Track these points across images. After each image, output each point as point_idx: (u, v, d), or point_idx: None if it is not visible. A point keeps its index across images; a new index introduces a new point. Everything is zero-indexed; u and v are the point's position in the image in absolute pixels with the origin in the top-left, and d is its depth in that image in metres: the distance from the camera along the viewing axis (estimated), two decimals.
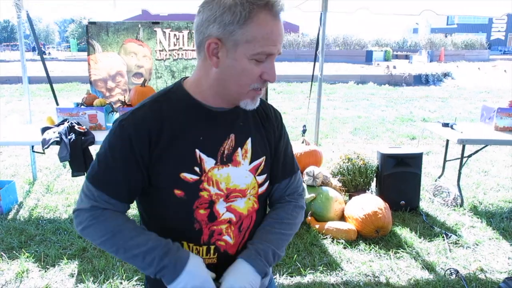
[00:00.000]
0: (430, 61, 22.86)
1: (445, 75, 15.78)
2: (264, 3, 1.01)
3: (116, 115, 4.31)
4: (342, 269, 3.11)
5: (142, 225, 1.22)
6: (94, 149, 3.79)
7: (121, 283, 2.90)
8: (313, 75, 4.99)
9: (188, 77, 1.21)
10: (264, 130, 1.24)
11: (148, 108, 1.12)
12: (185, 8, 4.91)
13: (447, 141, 4.60)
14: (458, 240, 3.55)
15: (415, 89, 13.46)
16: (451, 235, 3.62)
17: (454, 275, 3.06)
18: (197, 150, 1.11)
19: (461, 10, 5.09)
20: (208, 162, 1.12)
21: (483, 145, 4.42)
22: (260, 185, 1.21)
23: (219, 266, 1.16)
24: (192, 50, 4.51)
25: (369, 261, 3.22)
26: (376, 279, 3.00)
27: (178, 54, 4.50)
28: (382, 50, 24.63)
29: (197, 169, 1.11)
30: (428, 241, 3.54)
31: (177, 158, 1.10)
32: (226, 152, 1.15)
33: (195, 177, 1.11)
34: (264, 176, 1.22)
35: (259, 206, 1.22)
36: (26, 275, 3.00)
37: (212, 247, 1.16)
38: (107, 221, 1.08)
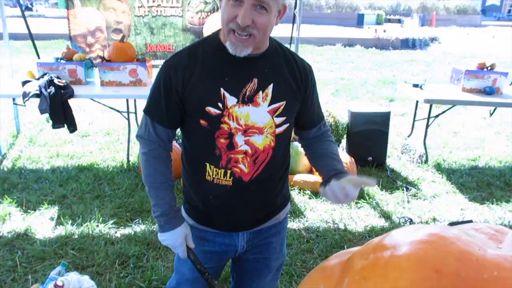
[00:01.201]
0: (422, 26, 22.73)
1: (432, 39, 15.81)
2: None
3: (96, 70, 4.41)
4: (305, 216, 3.35)
5: (183, 152, 1.48)
6: (73, 103, 3.93)
7: (97, 225, 3.11)
8: (291, 37, 5.07)
9: None
10: (292, 79, 1.39)
11: (186, 51, 1.36)
12: None
13: (417, 101, 4.78)
14: (417, 193, 3.80)
15: (401, 52, 13.53)
16: (411, 188, 3.86)
17: (408, 223, 3.32)
18: (221, 89, 1.30)
19: None
20: (230, 100, 1.31)
21: (450, 105, 4.60)
22: (277, 126, 1.38)
23: (233, 188, 1.39)
24: (171, 7, 4.56)
25: (331, 210, 3.46)
26: (335, 225, 3.25)
27: (157, 11, 4.55)
28: (374, 14, 24.37)
29: (220, 104, 1.30)
30: (389, 194, 3.78)
31: (204, 93, 1.31)
32: (247, 93, 1.32)
33: (218, 111, 1.31)
34: (282, 119, 1.38)
35: (275, 144, 1.39)
36: (8, 218, 3.19)
37: (229, 171, 1.37)
38: (155, 164, 1.39)
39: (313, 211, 3.44)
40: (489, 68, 4.58)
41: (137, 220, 3.21)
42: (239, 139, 1.34)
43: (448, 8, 28.05)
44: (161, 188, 1.39)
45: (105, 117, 5.70)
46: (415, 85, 4.66)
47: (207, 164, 1.38)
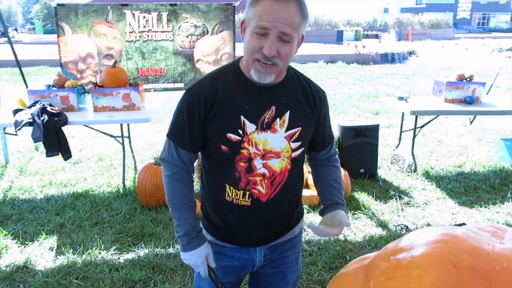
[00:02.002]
0: (399, 40, 23.39)
1: (410, 53, 16.28)
2: None
3: (88, 97, 4.46)
4: (305, 230, 3.41)
5: (203, 173, 1.55)
6: (67, 130, 3.95)
7: (99, 253, 3.12)
8: None
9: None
10: (307, 105, 1.48)
11: (209, 79, 1.43)
12: None
13: (403, 113, 4.94)
14: (410, 201, 3.92)
15: (381, 67, 13.89)
16: (403, 197, 3.98)
17: (404, 230, 3.42)
18: (241, 116, 1.38)
19: None
20: (250, 127, 1.39)
21: (434, 116, 4.77)
22: (293, 150, 1.46)
23: (252, 209, 1.47)
24: (162, 32, 4.66)
25: None
26: (335, 237, 3.33)
27: (148, 36, 4.65)
28: (353, 30, 24.98)
29: (240, 131, 1.39)
30: (383, 203, 3.89)
31: (225, 121, 1.39)
32: (266, 120, 1.41)
33: (238, 138, 1.39)
34: (298, 143, 1.47)
35: (291, 167, 1.48)
36: (5, 251, 3.15)
37: (248, 192, 1.45)
38: (178, 186, 1.46)
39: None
40: (468, 79, 4.78)
41: (140, 244, 3.23)
42: (258, 163, 1.43)
43: (423, 23, 28.94)
44: (184, 210, 1.46)
45: (95, 143, 5.72)
46: (401, 98, 4.83)
47: (227, 185, 1.45)
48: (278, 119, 1.42)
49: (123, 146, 4.29)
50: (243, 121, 1.38)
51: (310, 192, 3.84)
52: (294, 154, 1.47)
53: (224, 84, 1.41)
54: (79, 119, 4.08)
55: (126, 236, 3.34)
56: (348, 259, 3.02)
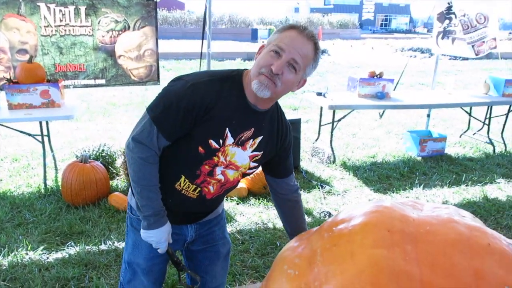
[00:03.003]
0: None
1: (323, 52, 17.14)
2: (297, 25, 1.46)
3: (2, 93, 4.17)
4: (236, 221, 3.55)
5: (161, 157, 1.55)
6: None
7: (26, 253, 2.98)
8: (201, 52, 5.27)
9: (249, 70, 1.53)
10: (276, 136, 1.63)
11: (216, 85, 1.47)
12: None
13: (321, 108, 5.27)
14: (331, 190, 4.22)
15: None
16: (325, 186, 4.28)
17: (327, 216, 3.69)
18: (227, 129, 1.49)
19: None
20: (229, 140, 1.51)
21: (350, 110, 5.17)
22: (250, 168, 1.64)
23: (195, 201, 1.61)
24: (80, 26, 4.49)
25: (259, 212, 3.71)
26: (265, 225, 3.50)
27: (65, 30, 4.44)
28: (266, 28, 25.59)
29: (220, 141, 1.50)
30: (307, 193, 4.15)
31: (213, 128, 1.48)
32: (243, 138, 1.54)
33: (217, 146, 1.50)
34: (255, 164, 1.64)
35: (241, 178, 1.66)
36: None
37: (199, 188, 1.58)
38: (150, 169, 1.49)
39: (242, 215, 3.65)
40: (378, 75, 5.24)
41: (69, 243, 3.13)
42: (218, 170, 1.57)
43: (332, 23, 30.53)
44: (155, 191, 1.52)
45: (7, 143, 5.35)
46: (319, 94, 5.15)
47: (183, 177, 1.56)
48: (251, 140, 1.57)
49: (43, 144, 4.08)
50: (227, 133, 1.50)
51: (239, 185, 3.97)
52: (249, 171, 1.66)
53: (227, 96, 1.48)
54: None
55: (53, 236, 3.22)
56: (278, 245, 3.20)
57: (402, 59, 17.04)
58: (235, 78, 1.52)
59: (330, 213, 3.73)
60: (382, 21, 60.62)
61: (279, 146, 1.67)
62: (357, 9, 54.15)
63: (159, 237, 1.54)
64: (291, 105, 7.93)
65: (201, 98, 1.44)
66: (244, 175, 1.67)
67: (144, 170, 1.49)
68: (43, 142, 4.09)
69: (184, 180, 1.56)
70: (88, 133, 5.86)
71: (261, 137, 1.58)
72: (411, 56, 17.79)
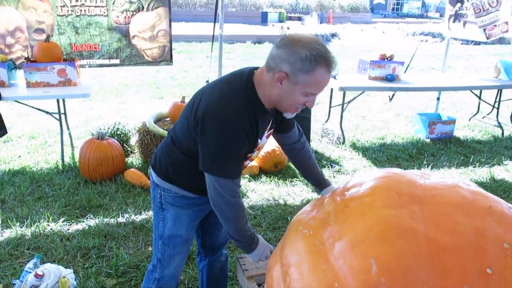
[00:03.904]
0: (320, 23, 24.25)
1: (333, 35, 17.06)
2: (325, 63, 1.46)
3: (20, 72, 4.29)
4: (248, 197, 3.66)
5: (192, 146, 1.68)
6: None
7: (48, 224, 3.13)
8: (213, 34, 5.34)
9: (254, 72, 1.62)
10: (279, 116, 1.77)
11: (243, 110, 1.54)
12: None
13: (331, 89, 5.33)
14: (340, 169, 4.31)
15: None
16: (335, 166, 4.37)
17: None
18: (259, 139, 1.68)
19: None
20: (260, 142, 1.72)
21: (360, 92, 5.22)
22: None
23: None
24: (95, 7, 4.57)
25: (270, 189, 3.81)
26: (276, 202, 3.61)
27: (81, 10, 4.53)
28: (276, 12, 25.40)
29: (255, 149, 1.71)
30: None
31: (252, 145, 1.64)
32: (266, 133, 1.73)
33: (252, 154, 1.72)
34: (270, 132, 1.80)
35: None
36: None
37: None
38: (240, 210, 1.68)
39: (254, 192, 3.76)
40: (389, 58, 5.27)
41: (88, 215, 3.27)
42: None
43: (343, 7, 30.17)
44: (246, 221, 1.74)
45: (23, 121, 5.49)
46: None
47: None
48: (267, 128, 1.74)
49: (60, 122, 4.20)
50: (259, 141, 1.70)
51: (252, 163, 4.07)
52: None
53: (256, 113, 1.57)
54: (11, 94, 3.94)
55: (73, 209, 3.36)
56: (289, 219, 3.31)
57: (413, 43, 16.90)
58: (250, 96, 1.57)
59: None
60: (394, 5, 59.55)
61: (280, 120, 1.82)
62: None
63: (265, 245, 1.77)
64: None
65: (248, 126, 1.55)
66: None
67: (243, 212, 1.68)
68: (60, 120, 4.21)
69: None
70: (102, 112, 5.98)
71: (272, 119, 1.73)
72: (422, 41, 17.62)
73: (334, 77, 5.13)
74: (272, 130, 1.78)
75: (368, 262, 1.12)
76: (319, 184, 1.98)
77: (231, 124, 1.52)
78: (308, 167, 1.97)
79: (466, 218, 1.21)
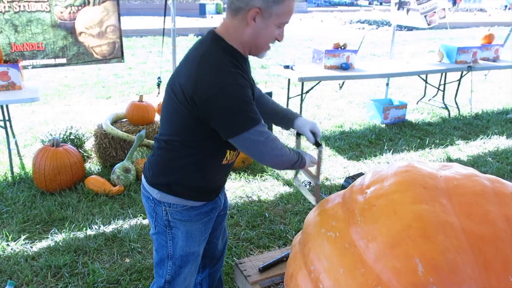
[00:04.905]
0: None
1: None
2: None
3: None
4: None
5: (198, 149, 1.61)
6: None
7: (8, 244, 2.85)
8: (164, 28, 5.14)
9: (215, 30, 1.56)
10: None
11: (231, 65, 1.49)
12: None
13: (289, 80, 5.32)
14: None
15: None
16: None
17: (307, 186, 3.78)
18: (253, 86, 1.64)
19: None
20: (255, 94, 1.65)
21: (317, 81, 5.25)
22: None
23: (232, 162, 1.73)
24: (36, 2, 4.21)
25: (241, 186, 3.73)
26: (250, 198, 3.54)
27: (20, 6, 4.15)
28: (213, 3, 25.09)
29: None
30: None
31: (252, 90, 1.58)
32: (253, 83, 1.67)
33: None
34: None
35: None
36: None
37: (237, 150, 1.66)
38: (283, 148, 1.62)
39: (226, 190, 3.64)
40: (342, 47, 5.34)
41: (52, 230, 3.02)
42: None
43: None
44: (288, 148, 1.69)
45: None
46: (286, 67, 5.18)
47: (228, 151, 1.64)
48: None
49: (6, 130, 3.85)
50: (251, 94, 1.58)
51: None
52: None
53: (240, 66, 1.52)
54: None
55: (33, 224, 3.09)
56: (267, 216, 3.26)
57: (351, 31, 17.40)
58: (228, 49, 1.53)
59: (310, 182, 3.82)
60: None
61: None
62: None
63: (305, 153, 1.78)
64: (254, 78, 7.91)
65: (245, 80, 1.51)
66: None
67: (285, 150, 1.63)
68: (5, 128, 3.86)
69: (230, 153, 1.65)
70: (47, 116, 5.57)
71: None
72: (359, 28, 18.20)
73: (291, 68, 5.13)
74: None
75: (412, 262, 1.09)
76: (290, 117, 1.91)
77: (232, 85, 1.47)
78: (275, 107, 1.91)
79: (494, 206, 1.21)
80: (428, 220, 1.15)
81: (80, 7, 4.44)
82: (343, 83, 6.44)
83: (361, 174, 3.49)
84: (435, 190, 1.25)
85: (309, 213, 1.59)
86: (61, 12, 4.35)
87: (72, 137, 4.22)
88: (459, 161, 4.38)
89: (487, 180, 1.34)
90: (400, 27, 16.64)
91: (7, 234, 2.94)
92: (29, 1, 4.19)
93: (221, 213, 1.91)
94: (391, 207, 1.23)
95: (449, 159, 4.43)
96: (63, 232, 2.99)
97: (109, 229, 3.05)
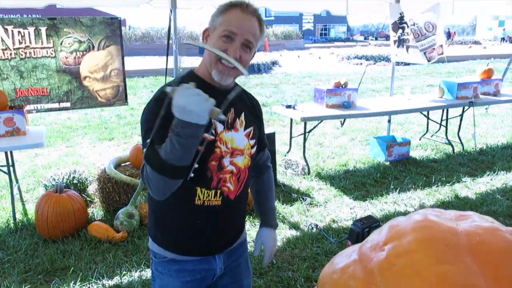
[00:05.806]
0: (258, 51, 24.72)
1: (273, 63, 17.41)
2: (236, 4, 1.45)
3: None
4: None
5: None
6: None
7: None
8: (166, 68, 5.21)
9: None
10: (252, 109, 1.64)
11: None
12: (28, 2, 4.60)
13: (291, 120, 5.33)
14: (312, 201, 4.26)
15: (250, 77, 14.58)
16: (306, 198, 4.31)
17: (315, 229, 3.71)
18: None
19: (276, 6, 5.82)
20: (220, 127, 1.49)
21: (320, 121, 5.26)
22: (252, 147, 1.61)
23: (222, 208, 1.53)
24: (42, 48, 4.27)
25: (247, 231, 3.65)
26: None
27: (26, 53, 4.21)
28: None
29: (213, 131, 1.45)
30: (290, 206, 4.16)
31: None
32: (229, 120, 1.52)
33: (212, 137, 1.45)
34: (254, 141, 1.62)
35: (250, 163, 1.61)
36: None
37: (219, 191, 1.51)
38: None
39: None
40: (343, 86, 5.39)
41: (54, 280, 2.94)
42: (226, 161, 1.52)
43: (276, 34, 31.07)
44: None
45: None
46: (288, 106, 5.21)
47: (198, 188, 1.48)
48: (237, 119, 1.55)
49: (9, 176, 3.82)
50: (214, 122, 1.43)
51: None
52: (253, 150, 1.62)
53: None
54: None
55: (35, 274, 3.01)
56: (275, 262, 3.18)
57: (349, 66, 17.67)
58: (189, 76, 1.51)
59: (317, 225, 3.75)
60: (322, 30, 62.68)
61: (257, 119, 1.68)
62: (297, 20, 55.63)
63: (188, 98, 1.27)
64: None
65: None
66: (252, 158, 1.61)
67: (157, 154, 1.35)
68: (9, 173, 3.83)
69: (202, 191, 1.49)
70: (50, 159, 5.55)
71: (243, 112, 1.58)
72: (357, 64, 18.48)
73: (293, 107, 5.15)
74: (251, 130, 1.58)
75: None
76: (263, 220, 1.83)
77: (148, 105, 1.47)
78: (267, 194, 1.81)
79: None
80: (454, 283, 1.10)
81: (85, 52, 4.50)
82: (344, 120, 6.47)
83: (370, 217, 3.44)
84: (458, 248, 1.20)
85: (323, 269, 1.53)
86: (66, 58, 4.42)
87: (75, 181, 4.19)
88: (467, 199, 4.33)
89: (510, 234, 1.29)
90: (398, 62, 16.93)
91: (8, 284, 2.86)
92: (35, 48, 4.26)
93: (223, 283, 1.69)
94: (413, 268, 1.18)
95: (457, 197, 4.37)
96: (66, 283, 2.90)
97: (113, 281, 2.96)
